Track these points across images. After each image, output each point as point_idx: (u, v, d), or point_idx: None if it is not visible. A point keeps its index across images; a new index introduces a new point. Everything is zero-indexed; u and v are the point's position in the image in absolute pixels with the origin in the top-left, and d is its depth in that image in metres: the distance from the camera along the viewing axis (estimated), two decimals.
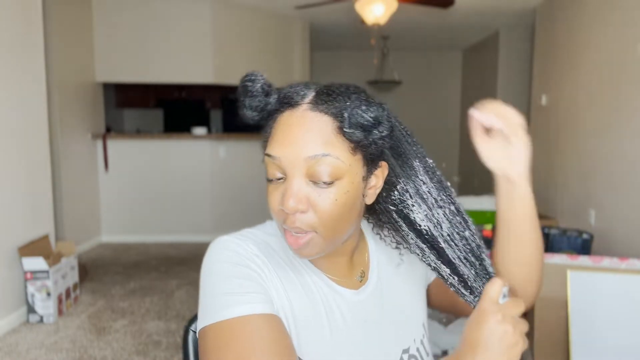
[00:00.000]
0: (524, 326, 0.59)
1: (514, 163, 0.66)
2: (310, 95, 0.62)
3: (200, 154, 4.94)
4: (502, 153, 0.66)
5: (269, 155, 0.63)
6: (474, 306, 0.65)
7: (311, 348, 0.64)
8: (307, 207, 0.61)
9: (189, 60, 4.86)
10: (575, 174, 3.98)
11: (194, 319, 0.82)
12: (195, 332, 0.81)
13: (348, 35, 6.33)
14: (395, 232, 0.71)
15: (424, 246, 0.67)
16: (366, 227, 0.79)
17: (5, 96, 2.79)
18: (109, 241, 4.91)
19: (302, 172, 0.61)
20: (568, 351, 1.32)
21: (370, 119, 0.58)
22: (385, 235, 0.74)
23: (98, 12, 4.70)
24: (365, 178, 0.64)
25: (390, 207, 0.68)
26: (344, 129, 0.59)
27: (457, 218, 0.67)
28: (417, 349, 0.74)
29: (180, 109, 6.80)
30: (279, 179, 0.63)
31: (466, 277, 0.66)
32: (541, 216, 4.88)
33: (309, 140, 0.60)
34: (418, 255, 0.69)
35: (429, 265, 0.68)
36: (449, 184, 0.69)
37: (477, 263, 0.66)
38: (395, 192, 0.67)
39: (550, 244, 3.72)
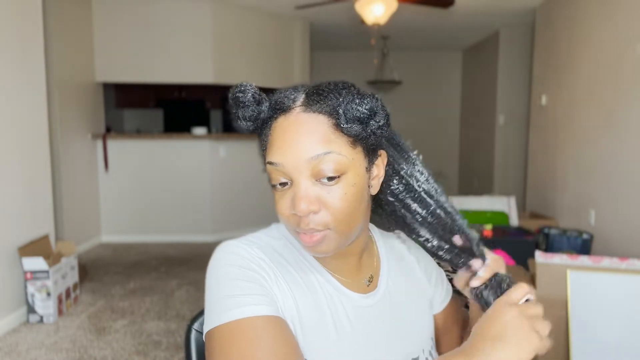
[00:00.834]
0: (543, 325, 0.58)
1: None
2: (301, 97, 0.63)
3: (200, 154, 4.94)
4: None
5: (270, 163, 0.63)
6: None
7: (317, 349, 0.64)
8: (319, 207, 0.61)
9: (188, 60, 4.87)
10: (575, 174, 3.97)
11: (196, 317, 0.82)
12: (197, 331, 0.81)
13: (348, 35, 6.32)
14: (400, 224, 0.71)
15: (426, 231, 0.68)
16: (375, 232, 0.81)
17: (5, 96, 2.79)
18: (109, 241, 4.91)
19: (307, 173, 0.61)
20: (568, 351, 1.32)
21: (366, 111, 0.59)
22: (391, 229, 0.75)
23: (98, 12, 4.70)
24: (368, 169, 0.65)
25: (394, 189, 0.69)
26: (342, 125, 0.60)
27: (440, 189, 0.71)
28: (427, 359, 0.74)
29: (180, 109, 6.80)
30: (284, 185, 0.63)
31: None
32: (541, 216, 4.86)
33: (308, 142, 0.60)
34: (421, 239, 0.69)
35: (433, 246, 0.69)
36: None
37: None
38: (396, 178, 0.69)
39: (550, 244, 3.72)
